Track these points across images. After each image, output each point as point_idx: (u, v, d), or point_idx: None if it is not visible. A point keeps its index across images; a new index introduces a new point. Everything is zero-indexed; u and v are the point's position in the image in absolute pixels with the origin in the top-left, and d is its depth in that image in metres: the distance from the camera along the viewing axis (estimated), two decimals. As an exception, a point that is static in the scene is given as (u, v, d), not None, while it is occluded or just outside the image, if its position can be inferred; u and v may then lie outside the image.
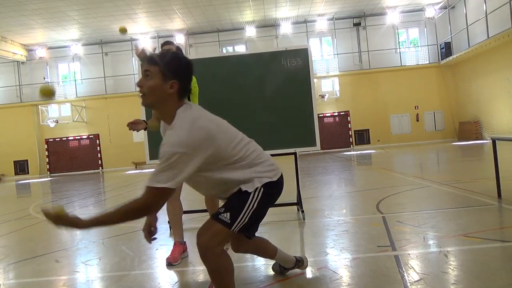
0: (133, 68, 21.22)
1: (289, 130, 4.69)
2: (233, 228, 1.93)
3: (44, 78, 22.10)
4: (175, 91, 1.87)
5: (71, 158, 22.23)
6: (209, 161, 1.85)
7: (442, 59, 20.55)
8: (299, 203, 4.82)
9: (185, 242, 3.50)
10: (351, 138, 21.38)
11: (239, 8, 18.82)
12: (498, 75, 16.37)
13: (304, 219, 4.53)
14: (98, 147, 22.10)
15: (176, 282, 2.91)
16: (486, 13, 16.23)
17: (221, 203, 2.15)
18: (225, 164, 1.92)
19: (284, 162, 13.46)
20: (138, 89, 1.89)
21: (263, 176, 2.01)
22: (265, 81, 4.76)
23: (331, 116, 21.51)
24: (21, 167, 22.11)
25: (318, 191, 6.87)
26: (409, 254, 3.00)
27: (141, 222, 2.30)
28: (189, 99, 3.49)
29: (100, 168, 22.06)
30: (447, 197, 5.28)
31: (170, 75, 1.85)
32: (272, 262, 2.79)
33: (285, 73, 4.72)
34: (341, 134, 21.38)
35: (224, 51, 21.72)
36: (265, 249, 2.54)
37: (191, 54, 20.40)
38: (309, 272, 2.85)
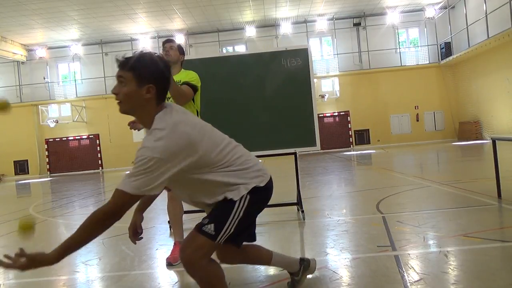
0: (133, 68, 21.19)
1: (289, 130, 4.69)
2: (217, 239, 1.84)
3: (44, 78, 22.10)
4: (153, 96, 1.77)
5: (71, 158, 22.23)
6: (192, 167, 1.76)
7: (442, 59, 20.55)
8: (299, 203, 4.82)
9: None
10: (351, 138, 21.38)
11: (239, 8, 18.82)
12: (498, 75, 16.37)
13: (304, 219, 4.53)
14: (98, 147, 22.10)
15: (176, 282, 2.91)
16: (486, 13, 16.23)
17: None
18: (210, 170, 1.82)
19: (284, 162, 13.41)
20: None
21: (250, 182, 1.91)
22: (265, 81, 4.76)
23: (331, 116, 21.50)
24: (21, 167, 22.11)
25: (318, 191, 6.87)
26: (409, 254, 3.00)
27: (146, 221, 2.29)
28: (193, 98, 3.50)
29: (100, 168, 22.06)
30: (447, 197, 5.28)
31: (145, 80, 1.75)
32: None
33: (285, 73, 4.72)
34: (341, 134, 21.38)
35: (224, 51, 21.71)
36: (257, 256, 2.36)
37: (191, 54, 20.39)
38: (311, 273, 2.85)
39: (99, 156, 22.11)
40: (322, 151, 19.39)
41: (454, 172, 8.20)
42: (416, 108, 21.07)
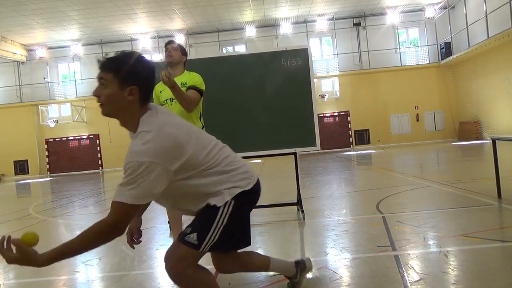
0: (133, 68, 21.19)
1: (289, 130, 4.69)
2: (201, 249, 1.77)
3: (44, 78, 22.11)
4: (136, 98, 1.69)
5: (71, 158, 22.23)
6: (180, 170, 1.69)
7: (442, 59, 20.55)
8: (299, 203, 4.82)
9: None
10: (351, 138, 21.38)
11: (239, 8, 18.82)
12: (498, 75, 16.37)
13: (304, 219, 4.53)
14: (98, 147, 22.10)
15: (176, 282, 2.90)
16: (486, 13, 16.23)
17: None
18: (196, 173, 1.75)
19: (284, 162, 13.39)
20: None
21: (235, 186, 1.83)
22: (265, 81, 4.76)
23: (331, 116, 21.50)
24: (21, 167, 22.11)
25: (318, 191, 6.87)
26: (409, 254, 3.00)
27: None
28: (201, 97, 3.52)
29: (100, 168, 22.06)
30: (447, 197, 5.28)
31: (127, 81, 1.66)
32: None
33: (285, 73, 4.72)
34: (341, 134, 21.38)
35: (224, 51, 21.71)
36: (254, 263, 2.27)
37: (191, 54, 20.37)
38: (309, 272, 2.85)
39: (99, 156, 22.11)
40: (322, 151, 19.38)
41: (454, 172, 8.20)
42: (416, 108, 21.07)
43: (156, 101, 3.66)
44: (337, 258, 3.10)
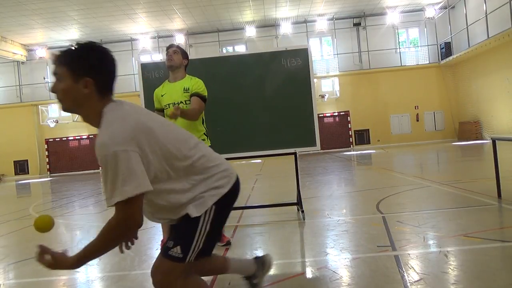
0: (133, 68, 21.18)
1: (289, 130, 4.69)
2: (187, 260, 1.70)
3: (44, 78, 22.10)
4: (92, 90, 1.59)
5: (71, 158, 22.24)
6: (154, 157, 1.59)
7: (442, 59, 20.56)
8: (299, 203, 4.82)
9: None
10: (351, 138, 21.38)
11: (239, 8, 18.82)
12: (498, 75, 16.37)
13: (304, 219, 4.53)
14: (98, 147, 22.07)
15: (176, 282, 2.90)
16: (486, 13, 16.23)
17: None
18: (173, 172, 1.65)
19: (284, 162, 13.37)
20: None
21: (215, 187, 1.73)
22: (265, 81, 4.76)
23: (331, 116, 21.50)
24: (21, 167, 22.11)
25: (318, 191, 6.87)
26: (409, 254, 3.00)
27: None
28: (205, 104, 3.52)
29: (100, 168, 22.02)
30: (447, 197, 5.28)
31: (80, 73, 1.58)
32: (273, 262, 2.77)
33: (285, 73, 4.72)
34: (341, 134, 21.38)
35: (224, 51, 21.71)
36: (216, 265, 2.17)
37: (191, 54, 20.35)
38: (309, 272, 2.85)
39: (99, 156, 22.08)
40: (322, 151, 19.38)
41: (454, 172, 8.20)
42: (416, 108, 21.07)
43: (157, 105, 3.66)
44: (337, 258, 3.10)
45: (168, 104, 3.55)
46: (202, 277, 2.01)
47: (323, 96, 20.59)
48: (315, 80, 5.84)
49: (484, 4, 16.39)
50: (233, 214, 5.14)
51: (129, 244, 1.90)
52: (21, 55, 21.77)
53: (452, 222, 3.90)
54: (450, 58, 19.63)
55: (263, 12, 19.56)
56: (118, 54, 22.37)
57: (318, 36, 21.78)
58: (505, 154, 9.68)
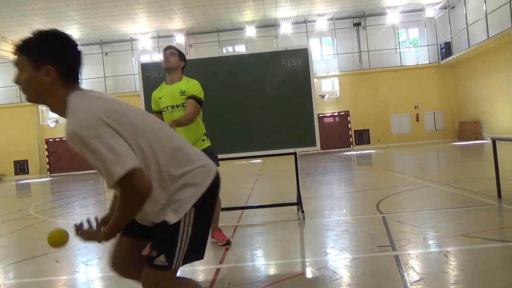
0: (133, 68, 21.20)
1: (289, 130, 4.69)
2: (174, 267, 1.63)
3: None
4: (54, 78, 1.53)
5: (71, 158, 22.21)
6: (128, 138, 1.51)
7: (442, 59, 20.56)
8: (299, 203, 4.82)
9: None
10: (351, 138, 21.38)
11: (239, 8, 18.82)
12: (498, 75, 16.37)
13: (304, 219, 4.53)
14: (98, 147, 22.07)
15: (176, 282, 2.90)
16: (486, 13, 16.23)
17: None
18: (144, 160, 1.55)
19: (284, 162, 13.35)
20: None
21: (193, 185, 1.63)
22: (265, 81, 4.76)
23: (331, 116, 21.51)
24: (21, 167, 22.11)
25: (318, 191, 6.87)
26: (409, 254, 3.00)
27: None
28: (201, 106, 3.51)
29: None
30: (447, 197, 5.28)
31: (40, 61, 1.52)
32: (273, 262, 2.79)
33: (285, 73, 4.72)
34: (341, 134, 21.38)
35: (224, 51, 21.71)
36: None
37: (191, 54, 20.40)
38: (309, 272, 2.85)
39: (99, 156, 22.08)
40: (322, 151, 19.38)
41: (454, 172, 8.21)
42: (416, 108, 21.07)
43: (155, 107, 3.65)
44: (337, 258, 3.10)
45: (167, 107, 3.54)
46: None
47: (323, 96, 20.60)
48: (315, 80, 5.84)
49: (484, 4, 16.39)
50: (233, 214, 5.14)
51: None
52: (21, 55, 21.73)
53: (452, 222, 3.90)
54: (450, 58, 19.64)
55: (263, 12, 19.56)
56: (118, 54, 22.43)
57: (318, 36, 21.78)
58: (505, 154, 9.68)
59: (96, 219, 1.77)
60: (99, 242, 1.63)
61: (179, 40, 21.08)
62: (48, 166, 22.27)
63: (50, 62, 1.53)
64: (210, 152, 3.63)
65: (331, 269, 2.84)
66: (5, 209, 8.45)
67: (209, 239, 3.83)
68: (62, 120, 22.84)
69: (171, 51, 3.56)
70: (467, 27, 18.14)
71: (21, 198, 11.00)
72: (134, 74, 21.03)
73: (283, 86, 4.73)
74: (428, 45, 21.22)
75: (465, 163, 10.17)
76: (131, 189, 1.46)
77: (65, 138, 1.48)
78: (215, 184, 1.71)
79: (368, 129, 21.27)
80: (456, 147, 15.76)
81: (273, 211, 5.27)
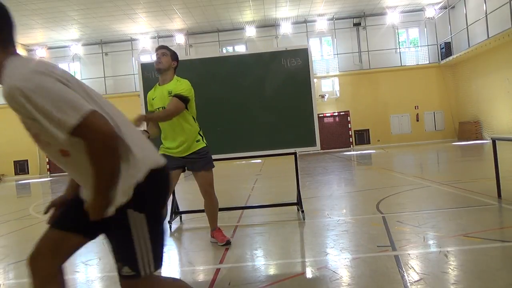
0: (133, 68, 21.21)
1: (289, 130, 4.69)
2: (143, 273, 1.52)
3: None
4: None
5: (71, 158, 22.22)
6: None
7: (442, 59, 20.56)
8: (299, 203, 4.82)
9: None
10: (351, 138, 21.38)
11: (239, 8, 18.82)
12: (498, 75, 16.37)
13: (304, 219, 4.53)
14: (98, 147, 22.07)
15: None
16: (486, 13, 16.23)
17: None
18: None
19: (284, 162, 13.35)
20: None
21: (136, 178, 1.45)
22: (265, 81, 4.76)
23: (331, 116, 21.51)
24: (21, 167, 22.11)
25: (318, 191, 6.87)
26: (409, 254, 3.00)
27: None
28: (186, 105, 3.46)
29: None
30: (447, 197, 5.28)
31: None
32: (273, 262, 2.79)
33: (285, 73, 4.72)
34: (341, 134, 21.38)
35: (224, 51, 21.71)
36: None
37: (191, 54, 20.41)
38: (309, 272, 2.85)
39: (99, 156, 22.08)
40: (322, 151, 19.39)
41: (454, 172, 8.20)
42: (416, 108, 21.07)
43: (150, 108, 3.64)
44: (337, 258, 3.10)
45: (158, 108, 3.53)
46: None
47: (323, 96, 20.60)
48: (315, 80, 5.84)
49: (484, 4, 16.39)
50: (233, 214, 5.15)
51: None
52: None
53: (452, 222, 3.90)
54: (450, 58, 19.64)
55: (263, 12, 19.56)
56: (118, 54, 22.43)
57: (318, 36, 21.78)
58: (505, 154, 9.68)
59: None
60: (100, 209, 1.45)
61: (179, 40, 21.08)
62: (48, 166, 22.26)
63: None
64: (205, 154, 3.59)
65: (331, 269, 2.84)
66: (5, 209, 8.45)
67: (209, 239, 3.84)
68: (62, 120, 22.94)
69: (163, 51, 3.51)
70: (467, 27, 18.14)
71: (21, 198, 11.00)
72: (134, 74, 21.03)
73: (283, 86, 4.73)
74: (428, 45, 21.22)
75: (465, 163, 10.17)
76: (94, 133, 1.31)
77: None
78: (156, 181, 1.52)
79: (368, 129, 21.27)
80: (456, 147, 15.76)
81: (273, 211, 5.27)
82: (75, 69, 22.48)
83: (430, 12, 20.49)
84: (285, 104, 4.72)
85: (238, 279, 2.79)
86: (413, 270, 2.65)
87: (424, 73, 20.82)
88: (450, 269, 2.64)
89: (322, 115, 20.91)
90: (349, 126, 21.39)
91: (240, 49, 21.55)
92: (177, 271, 3.17)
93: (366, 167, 11.36)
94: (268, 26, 21.37)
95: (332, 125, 21.48)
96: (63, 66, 24.01)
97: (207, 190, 3.65)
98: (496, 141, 4.90)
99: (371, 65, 21.16)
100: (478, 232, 3.44)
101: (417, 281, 2.46)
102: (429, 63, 21.08)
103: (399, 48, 21.51)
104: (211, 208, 3.75)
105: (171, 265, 3.38)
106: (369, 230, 3.85)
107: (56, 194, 11.05)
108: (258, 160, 16.25)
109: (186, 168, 3.62)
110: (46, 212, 1.71)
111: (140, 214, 1.48)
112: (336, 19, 21.16)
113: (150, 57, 21.19)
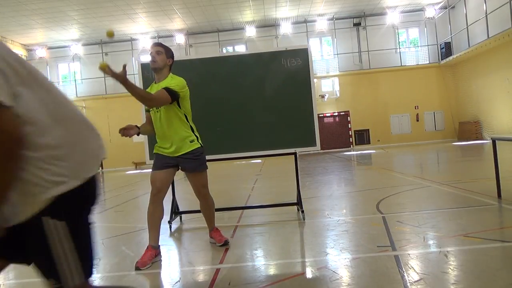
0: (133, 68, 21.19)
1: (289, 130, 4.69)
2: (71, 284, 1.35)
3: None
4: None
5: (71, 158, 22.22)
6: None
7: (442, 59, 20.56)
8: (299, 203, 4.82)
9: (159, 246, 3.47)
10: (351, 138, 21.38)
11: (239, 8, 18.82)
12: (498, 75, 16.37)
13: (304, 219, 4.53)
14: (98, 147, 22.07)
15: (177, 282, 2.90)
16: (486, 13, 16.23)
17: None
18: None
19: (284, 162, 13.35)
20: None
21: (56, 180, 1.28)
22: (265, 81, 4.76)
23: (331, 116, 21.51)
24: (21, 167, 22.08)
25: (318, 191, 6.87)
26: (409, 254, 3.00)
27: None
28: (178, 103, 3.40)
29: (100, 168, 21.95)
30: (447, 197, 5.28)
31: None
32: (273, 262, 2.79)
33: (285, 73, 4.72)
34: (341, 134, 21.39)
35: (224, 51, 21.71)
36: None
37: (191, 54, 20.41)
38: (309, 272, 2.85)
39: (99, 156, 22.08)
40: (322, 151, 19.39)
41: (454, 172, 8.20)
42: (416, 108, 21.08)
43: (146, 107, 3.58)
44: (337, 258, 3.10)
45: (154, 107, 3.44)
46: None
47: (323, 96, 20.60)
48: (315, 80, 5.84)
49: (484, 4, 16.39)
50: (233, 214, 5.15)
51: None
52: (21, 55, 21.73)
53: (452, 222, 3.90)
54: (450, 58, 19.64)
55: (263, 12, 19.56)
56: (118, 54, 22.43)
57: (318, 36, 21.78)
58: (505, 154, 9.68)
59: None
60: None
61: (179, 40, 21.08)
62: (48, 166, 22.26)
63: None
64: (199, 155, 3.50)
65: (331, 269, 2.84)
66: (5, 209, 8.44)
67: (208, 240, 3.84)
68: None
69: (157, 49, 3.44)
70: (467, 27, 18.14)
71: None
72: (134, 74, 20.97)
73: (283, 86, 4.73)
74: (428, 45, 21.22)
75: (465, 163, 10.17)
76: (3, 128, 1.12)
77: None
78: (81, 186, 1.35)
79: (368, 129, 21.28)
80: (456, 147, 15.76)
81: (273, 211, 5.27)
82: (75, 69, 22.49)
83: (430, 12, 20.49)
84: (285, 104, 4.72)
85: (238, 279, 2.79)
86: (413, 270, 2.65)
87: (424, 73, 20.82)
88: (450, 269, 2.64)
89: (322, 115, 20.92)
90: (349, 126, 21.39)
91: (240, 49, 21.55)
92: (177, 271, 3.17)
93: (366, 167, 11.36)
94: (268, 26, 21.37)
95: (332, 125, 21.48)
96: (63, 66, 23.99)
97: (201, 191, 3.61)
98: (496, 141, 4.90)
99: (371, 65, 21.16)
100: (478, 232, 3.44)
101: (417, 281, 2.46)
102: (429, 63, 21.08)
103: (399, 48, 21.51)
104: (207, 208, 3.73)
105: (171, 265, 3.38)
106: (369, 230, 3.85)
107: None
108: (258, 160, 16.25)
109: (179, 167, 3.54)
110: None
111: (59, 222, 1.30)
112: (336, 19, 21.16)
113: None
